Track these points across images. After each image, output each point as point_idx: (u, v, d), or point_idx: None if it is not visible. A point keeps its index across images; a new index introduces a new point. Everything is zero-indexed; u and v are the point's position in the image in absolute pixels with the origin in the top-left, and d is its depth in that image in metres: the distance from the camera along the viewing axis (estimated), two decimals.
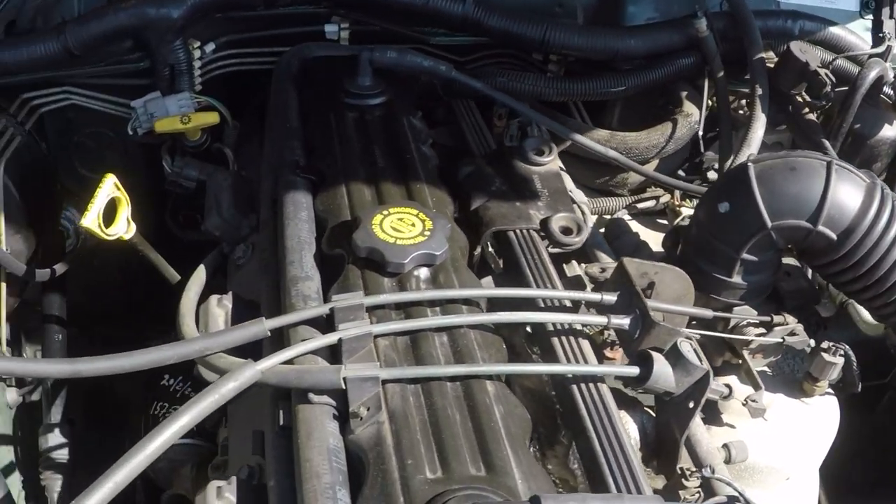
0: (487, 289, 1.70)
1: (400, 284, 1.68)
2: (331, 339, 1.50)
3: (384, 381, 1.45)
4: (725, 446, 1.69)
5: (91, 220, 1.83)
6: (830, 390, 1.94)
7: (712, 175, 2.52)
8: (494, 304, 1.71)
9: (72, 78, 2.36)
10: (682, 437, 1.58)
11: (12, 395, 2.34)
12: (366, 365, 1.46)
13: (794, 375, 1.97)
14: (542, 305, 1.70)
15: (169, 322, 2.92)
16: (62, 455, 2.33)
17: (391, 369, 1.47)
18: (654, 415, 1.68)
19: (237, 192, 2.13)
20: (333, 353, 1.53)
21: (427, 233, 1.71)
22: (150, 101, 2.27)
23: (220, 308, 1.84)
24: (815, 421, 1.93)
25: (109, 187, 1.87)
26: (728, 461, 1.68)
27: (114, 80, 2.38)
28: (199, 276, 1.99)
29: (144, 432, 2.34)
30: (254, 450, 1.58)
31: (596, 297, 1.68)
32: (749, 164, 1.87)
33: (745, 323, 1.90)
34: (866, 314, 2.08)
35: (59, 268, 2.32)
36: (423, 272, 1.70)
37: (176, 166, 2.21)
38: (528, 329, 1.73)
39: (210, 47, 2.38)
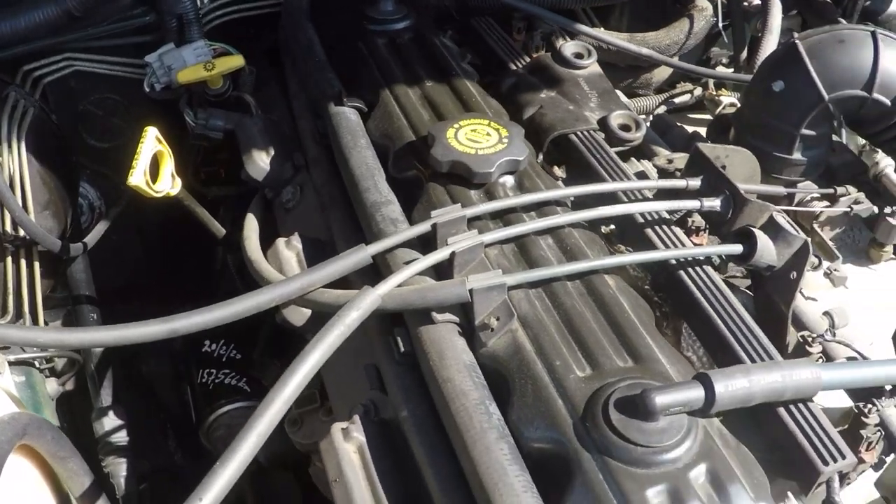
0: (577, 187, 1.65)
1: (488, 194, 1.65)
2: (443, 253, 1.46)
3: (510, 287, 1.42)
4: (827, 313, 1.68)
5: (139, 177, 1.74)
6: (894, 256, 1.95)
7: (721, 69, 2.52)
8: (575, 205, 1.68)
9: (72, 43, 2.26)
10: (789, 309, 1.57)
11: (52, 386, 2.25)
12: (488, 273, 1.42)
13: (856, 245, 1.98)
14: (626, 199, 1.67)
15: (192, 290, 2.86)
16: (121, 438, 2.23)
17: (514, 274, 1.44)
18: (751, 294, 1.67)
19: (270, 135, 2.07)
20: (439, 271, 1.49)
21: (505, 140, 1.68)
22: (166, 54, 2.17)
23: (290, 250, 1.78)
24: (887, 285, 1.94)
25: (152, 141, 1.78)
26: (832, 327, 1.67)
27: (115, 41, 2.29)
28: (252, 223, 1.92)
29: (193, 402, 2.31)
30: (371, 385, 1.54)
31: (681, 183, 1.66)
32: (797, 41, 1.88)
33: (810, 197, 1.91)
34: None
35: (90, 240, 2.23)
36: (509, 179, 1.67)
37: (200, 118, 2.13)
38: (611, 227, 1.71)
39: None
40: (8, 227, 2.08)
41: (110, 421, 2.25)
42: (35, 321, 2.19)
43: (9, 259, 2.13)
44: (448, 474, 1.31)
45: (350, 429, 1.44)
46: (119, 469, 2.20)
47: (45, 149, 2.17)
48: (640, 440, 1.19)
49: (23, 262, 2.14)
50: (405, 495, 1.37)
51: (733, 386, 1.25)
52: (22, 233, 2.09)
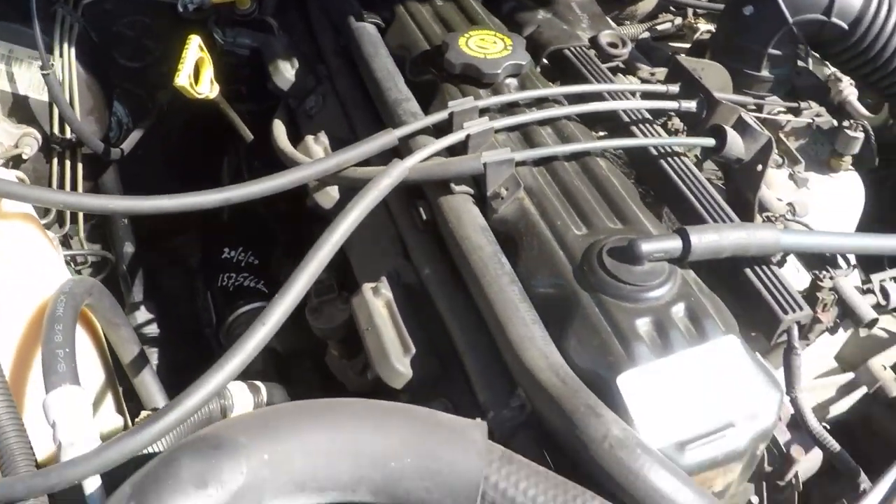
0: (572, 87, 1.88)
1: (495, 93, 1.86)
2: (460, 135, 1.69)
3: (517, 163, 1.65)
4: (790, 204, 1.92)
5: (184, 79, 1.90)
6: (852, 167, 2.20)
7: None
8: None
9: None
10: (755, 197, 1.79)
11: None
12: (499, 150, 1.65)
13: (818, 158, 2.22)
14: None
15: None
16: (153, 330, 2.43)
17: (521, 152, 1.67)
18: (722, 186, 1.90)
19: (294, 51, 2.28)
20: (453, 153, 1.71)
21: (509, 47, 1.91)
22: None
23: (318, 144, 1.98)
24: (846, 191, 2.18)
25: (195, 47, 1.95)
26: (793, 214, 1.91)
27: None
28: (280, 125, 2.10)
29: (214, 306, 2.47)
30: (395, 252, 1.76)
31: (662, 88, 1.91)
32: None
33: (776, 110, 2.15)
34: (864, 110, 2.31)
35: (126, 147, 2.43)
36: (513, 81, 1.90)
37: (228, 36, 2.33)
38: (601, 133, 1.93)
39: None
40: (55, 129, 2.28)
41: (143, 314, 2.43)
42: (74, 220, 2.40)
43: (55, 160, 2.33)
44: (466, 319, 1.53)
45: (378, 286, 1.65)
46: (152, 357, 2.37)
47: (89, 62, 2.35)
48: (628, 279, 1.40)
49: (67, 163, 2.34)
50: (428, 341, 1.57)
51: (706, 238, 1.47)
52: (68, 134, 2.28)
